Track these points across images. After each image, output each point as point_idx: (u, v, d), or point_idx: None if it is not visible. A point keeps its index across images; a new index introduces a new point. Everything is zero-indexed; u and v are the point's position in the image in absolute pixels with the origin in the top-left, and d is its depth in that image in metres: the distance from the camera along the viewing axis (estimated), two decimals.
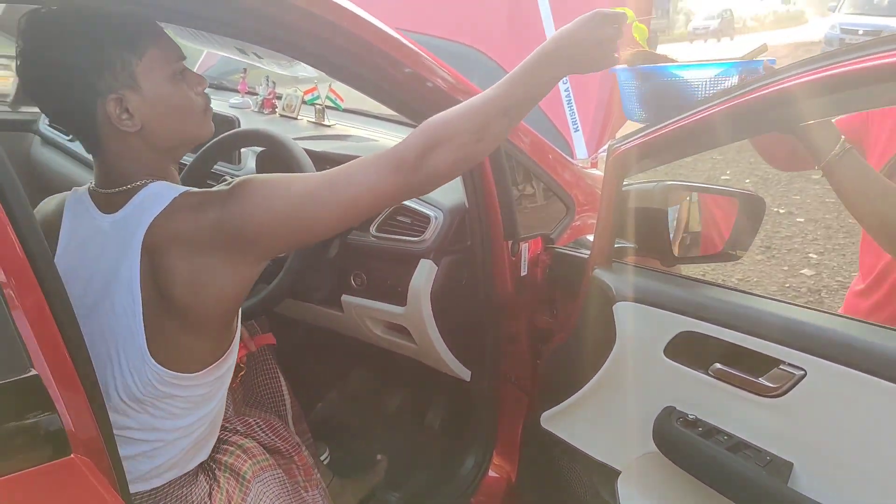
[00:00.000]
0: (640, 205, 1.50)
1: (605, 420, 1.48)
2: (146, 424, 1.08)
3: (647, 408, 1.35)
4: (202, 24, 1.12)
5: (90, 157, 2.17)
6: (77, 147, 2.25)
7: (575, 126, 2.11)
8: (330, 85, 2.09)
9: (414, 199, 1.65)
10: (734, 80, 1.14)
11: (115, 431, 0.98)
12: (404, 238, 1.62)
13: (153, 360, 1.03)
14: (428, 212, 1.61)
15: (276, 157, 1.61)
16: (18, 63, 1.00)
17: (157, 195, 1.01)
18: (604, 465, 1.47)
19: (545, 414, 1.58)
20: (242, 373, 1.58)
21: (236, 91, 2.36)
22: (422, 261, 1.61)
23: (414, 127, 1.07)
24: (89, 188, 1.09)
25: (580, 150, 2.02)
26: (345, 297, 1.73)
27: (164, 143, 1.06)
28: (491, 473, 1.87)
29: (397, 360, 1.91)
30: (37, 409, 0.74)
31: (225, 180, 1.78)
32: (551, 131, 2.10)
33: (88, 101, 0.99)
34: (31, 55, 0.98)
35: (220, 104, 2.25)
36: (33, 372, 0.74)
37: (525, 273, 1.71)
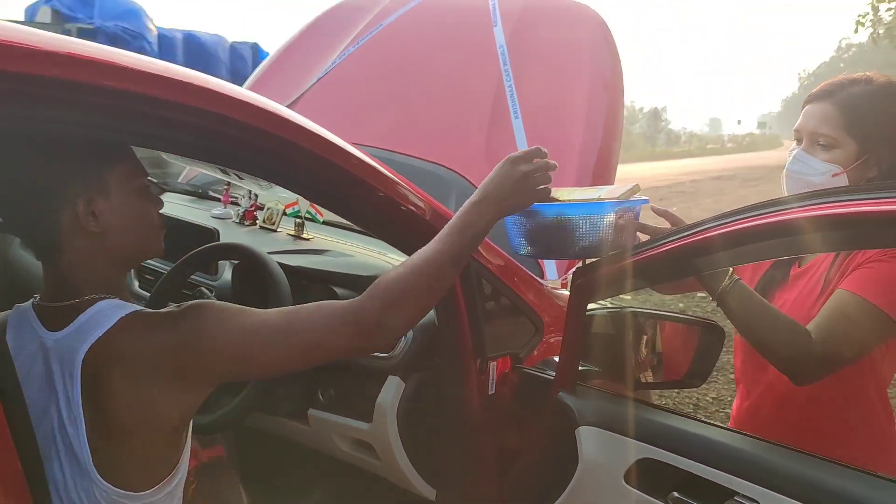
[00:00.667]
0: (602, 330, 1.55)
1: None
2: None
3: None
4: (184, 151, 1.18)
5: None
6: None
7: None
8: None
9: None
10: (611, 218, 1.27)
11: None
12: (374, 354, 1.64)
13: (101, 479, 1.01)
14: None
15: (252, 270, 1.65)
16: None
17: (103, 314, 1.00)
18: None
19: None
20: (193, 486, 1.55)
21: (219, 201, 2.43)
22: (389, 377, 1.62)
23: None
24: (33, 303, 1.07)
25: (550, 272, 2.09)
26: (311, 412, 1.73)
27: (121, 253, 1.07)
28: None
29: (364, 476, 1.89)
30: None
31: (200, 290, 1.81)
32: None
33: (55, 206, 0.99)
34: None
35: (203, 214, 2.31)
36: None
37: (493, 392, 1.73)
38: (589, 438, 1.40)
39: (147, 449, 1.02)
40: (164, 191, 2.74)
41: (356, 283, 1.74)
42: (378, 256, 1.96)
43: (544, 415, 1.53)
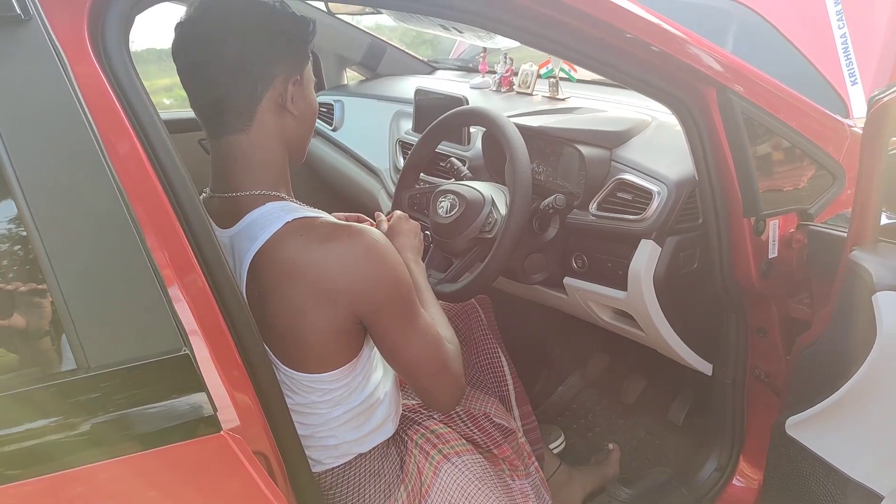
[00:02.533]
0: None
1: (864, 433, 1.22)
2: (310, 402, 1.12)
3: None
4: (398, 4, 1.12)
5: (353, 147, 2.33)
6: (340, 137, 2.45)
7: (852, 78, 1.73)
8: None
9: (636, 172, 1.49)
10: None
11: (293, 408, 1.04)
12: (624, 217, 1.48)
13: (280, 363, 1.06)
14: (650, 186, 1.44)
15: (492, 134, 1.57)
16: (184, 44, 1.04)
17: (271, 216, 1.03)
18: (863, 487, 1.21)
19: (792, 419, 1.34)
20: None
21: (478, 72, 2.37)
22: (642, 241, 1.45)
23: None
24: (203, 198, 1.11)
25: (858, 108, 1.65)
26: (567, 280, 1.64)
27: (298, 140, 1.12)
28: (735, 481, 1.65)
29: (637, 348, 1.77)
30: (187, 387, 0.79)
31: (450, 161, 1.79)
32: (822, 86, 1.76)
33: (264, 79, 1.04)
34: (205, 40, 1.02)
35: (463, 86, 2.27)
36: (184, 352, 0.79)
37: (775, 255, 1.46)
38: (891, 306, 1.10)
39: (313, 343, 1.04)
40: (434, 69, 2.77)
41: (600, 138, 1.56)
42: (634, 109, 1.74)
43: (837, 279, 1.25)
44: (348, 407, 1.14)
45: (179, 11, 1.06)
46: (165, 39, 1.08)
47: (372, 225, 1.35)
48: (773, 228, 1.45)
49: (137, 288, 0.79)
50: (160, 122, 0.88)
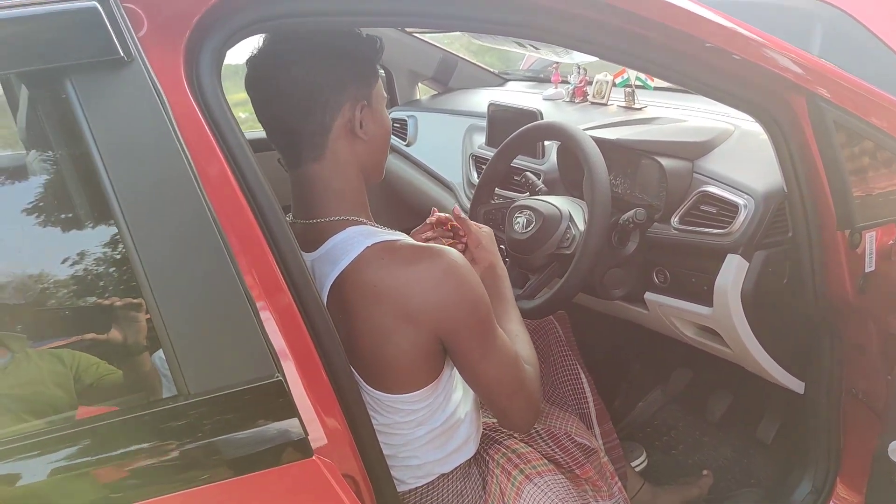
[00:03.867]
0: None
1: None
2: (392, 422, 1.12)
3: None
4: (460, 25, 1.12)
5: (427, 162, 2.34)
6: (414, 152, 2.47)
7: None
8: None
9: (720, 184, 1.45)
10: None
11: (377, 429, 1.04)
12: (708, 230, 1.43)
13: (365, 384, 1.07)
14: (736, 199, 1.40)
15: (569, 148, 1.56)
16: (254, 80, 1.06)
17: (352, 241, 1.04)
18: None
19: (895, 444, 1.27)
20: None
21: (551, 82, 2.35)
22: (728, 256, 1.40)
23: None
24: (291, 221, 1.13)
25: None
26: (648, 295, 1.60)
27: (373, 164, 1.13)
28: None
29: (722, 364, 1.72)
30: (279, 412, 0.80)
31: (525, 175, 1.78)
32: None
33: (334, 105, 1.05)
34: (274, 71, 1.04)
35: (536, 97, 2.26)
36: (277, 377, 0.80)
37: (872, 268, 1.39)
38: None
39: (396, 364, 1.04)
40: (505, 80, 2.76)
41: (681, 150, 1.52)
42: (715, 117, 1.69)
43: None
44: (430, 427, 1.14)
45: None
46: (240, 55, 1.11)
47: (457, 227, 1.35)
48: (870, 241, 1.37)
49: (232, 313, 0.81)
50: (249, 149, 0.91)
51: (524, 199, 1.60)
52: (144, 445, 0.78)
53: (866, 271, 1.38)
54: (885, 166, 1.38)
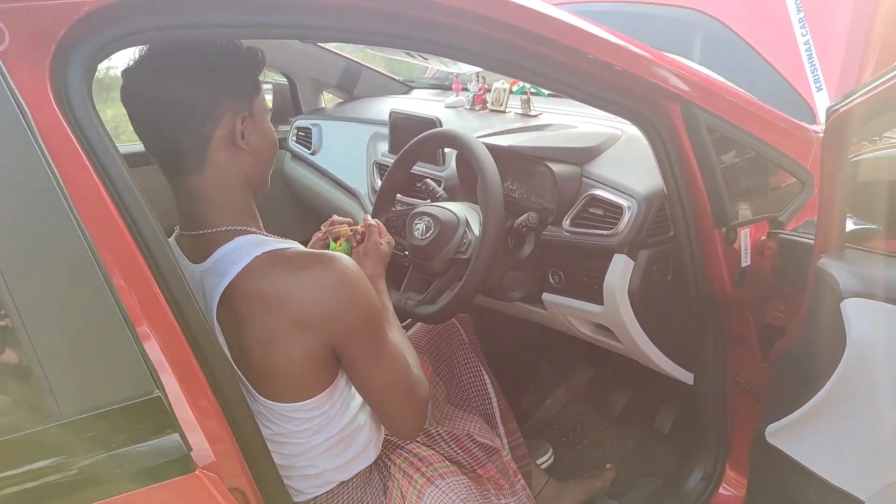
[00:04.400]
0: (880, 176, 1.21)
1: (841, 438, 1.23)
2: (287, 432, 1.12)
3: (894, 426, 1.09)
4: (344, 37, 1.13)
5: (331, 170, 2.33)
6: (319, 160, 2.46)
7: (817, 84, 1.76)
8: None
9: (606, 187, 1.51)
10: None
11: (270, 438, 1.04)
12: (596, 232, 1.50)
13: (256, 394, 1.08)
14: (620, 201, 1.46)
15: (463, 155, 1.59)
16: (129, 92, 1.04)
17: (240, 251, 1.04)
18: (842, 492, 1.22)
19: (771, 427, 1.35)
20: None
21: (452, 90, 2.39)
22: (615, 256, 1.47)
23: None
24: (175, 236, 1.13)
25: (825, 113, 1.68)
26: (545, 296, 1.66)
27: (258, 175, 1.12)
28: (722, 489, 1.66)
29: (619, 359, 1.79)
30: (159, 428, 0.80)
31: (426, 182, 1.80)
32: (788, 93, 1.79)
33: (213, 117, 1.04)
34: (147, 83, 1.03)
35: (438, 105, 2.29)
36: (156, 393, 0.79)
37: (748, 263, 1.48)
38: (859, 313, 1.12)
39: (288, 372, 1.05)
40: (410, 88, 2.79)
41: (571, 155, 1.58)
42: (604, 123, 1.76)
43: (807, 287, 1.26)
44: (328, 434, 1.14)
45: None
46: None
47: (355, 230, 1.37)
48: (745, 237, 1.47)
49: (106, 331, 0.80)
50: (123, 163, 0.89)
51: (424, 206, 1.63)
52: (16, 470, 0.76)
53: (742, 266, 1.47)
54: (756, 168, 1.48)
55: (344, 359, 1.08)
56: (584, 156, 1.59)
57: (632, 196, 1.45)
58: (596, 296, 1.53)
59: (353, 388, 1.17)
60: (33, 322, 0.76)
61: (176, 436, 0.80)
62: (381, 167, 2.12)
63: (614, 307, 1.49)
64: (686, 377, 1.65)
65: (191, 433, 0.82)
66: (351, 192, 2.28)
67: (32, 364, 0.76)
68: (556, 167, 1.56)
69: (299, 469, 1.16)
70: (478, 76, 2.20)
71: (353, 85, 2.70)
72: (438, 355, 1.62)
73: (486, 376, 1.67)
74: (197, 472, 0.81)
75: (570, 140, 1.64)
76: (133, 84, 1.04)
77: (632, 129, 1.68)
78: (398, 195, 1.80)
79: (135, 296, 0.83)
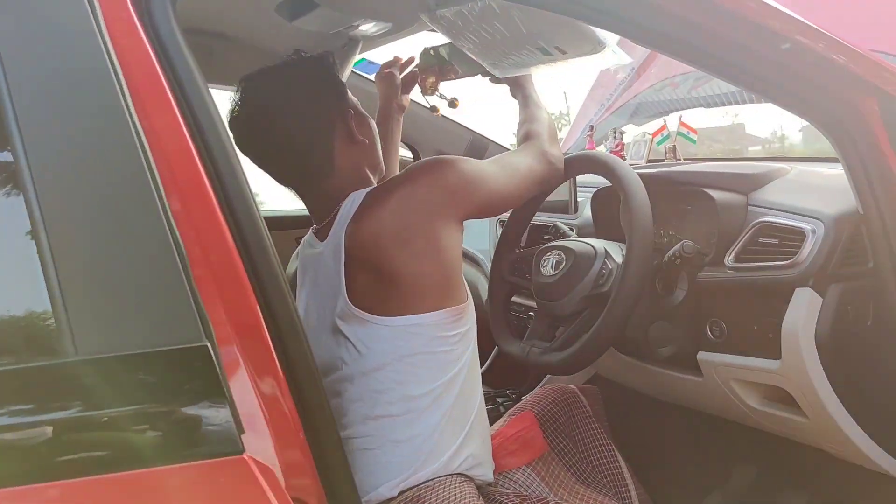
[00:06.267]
0: None
1: None
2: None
3: None
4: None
5: None
6: None
7: None
8: (681, 117, 1.80)
9: (780, 212, 1.24)
10: None
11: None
12: (770, 264, 1.21)
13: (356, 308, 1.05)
14: (802, 225, 1.18)
15: (610, 195, 1.38)
16: (243, 142, 1.08)
17: (354, 199, 1.08)
18: None
19: None
20: None
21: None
22: (797, 291, 1.17)
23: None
24: (312, 230, 1.19)
25: None
26: (702, 355, 1.35)
27: (378, 158, 1.18)
28: None
29: (795, 451, 1.43)
30: (201, 388, 0.60)
31: (556, 227, 1.60)
32: None
33: (326, 133, 1.10)
34: (254, 129, 1.09)
35: None
36: (203, 342, 0.60)
37: None
38: None
39: (424, 271, 1.05)
40: None
41: (734, 182, 1.33)
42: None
43: None
44: (445, 378, 1.06)
45: None
46: None
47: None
48: None
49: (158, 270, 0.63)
50: (208, 94, 0.75)
51: (554, 242, 1.41)
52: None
53: None
54: None
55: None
56: (749, 183, 1.34)
57: (816, 218, 1.18)
58: (770, 348, 1.22)
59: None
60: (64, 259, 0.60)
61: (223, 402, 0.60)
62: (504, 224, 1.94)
63: (797, 360, 1.17)
64: None
65: (244, 404, 0.61)
66: (471, 259, 2.11)
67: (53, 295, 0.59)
68: (716, 194, 1.31)
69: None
70: (615, 132, 2.02)
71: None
72: (555, 425, 1.33)
73: (619, 457, 1.35)
74: (245, 454, 0.59)
75: (732, 168, 1.40)
76: (242, 131, 1.08)
77: (802, 165, 1.42)
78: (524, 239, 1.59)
79: (198, 238, 0.67)
